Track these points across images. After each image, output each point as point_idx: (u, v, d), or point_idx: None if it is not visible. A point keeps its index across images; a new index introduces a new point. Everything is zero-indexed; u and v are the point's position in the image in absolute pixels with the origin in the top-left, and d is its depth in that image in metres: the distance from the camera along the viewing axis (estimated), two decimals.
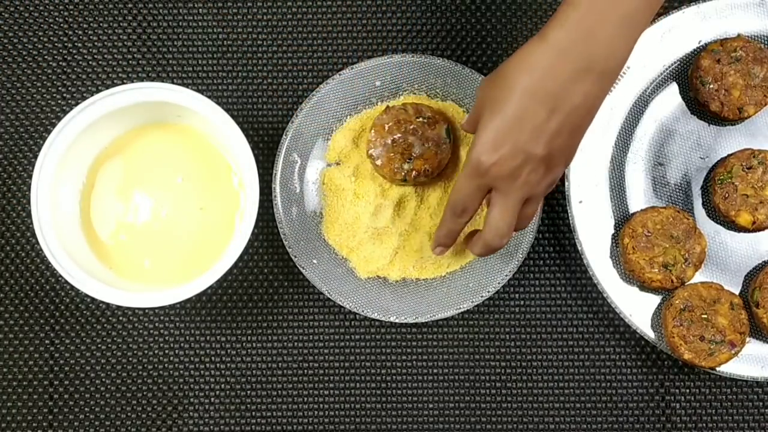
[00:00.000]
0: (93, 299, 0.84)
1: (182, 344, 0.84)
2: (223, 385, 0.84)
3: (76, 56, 0.87)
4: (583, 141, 0.81)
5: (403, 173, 0.80)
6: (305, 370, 0.84)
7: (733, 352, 0.78)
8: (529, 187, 0.68)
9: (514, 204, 0.69)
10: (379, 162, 0.80)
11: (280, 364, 0.84)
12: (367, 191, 0.83)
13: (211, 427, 0.84)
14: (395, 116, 0.80)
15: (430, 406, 0.84)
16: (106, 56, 0.87)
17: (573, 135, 0.67)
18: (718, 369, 0.79)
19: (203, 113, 0.78)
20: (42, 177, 0.77)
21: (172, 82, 0.86)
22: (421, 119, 0.80)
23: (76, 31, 0.87)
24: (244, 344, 0.84)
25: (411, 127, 0.80)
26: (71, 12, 0.87)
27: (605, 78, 0.66)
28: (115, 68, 0.87)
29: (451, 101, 0.83)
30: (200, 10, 0.87)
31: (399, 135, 0.80)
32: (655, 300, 0.81)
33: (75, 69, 0.86)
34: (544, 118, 0.65)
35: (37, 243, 0.84)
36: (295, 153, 0.83)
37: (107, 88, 0.84)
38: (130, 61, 0.87)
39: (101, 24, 0.87)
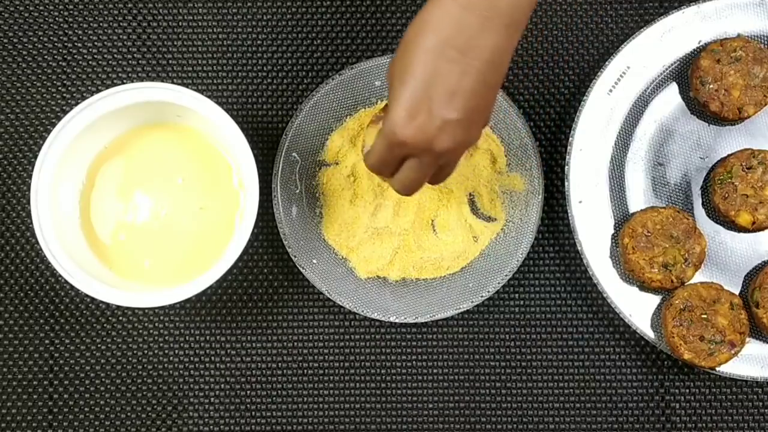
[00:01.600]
0: (93, 299, 0.84)
1: (182, 344, 0.84)
2: (223, 385, 0.84)
3: (76, 56, 0.87)
4: (583, 141, 0.82)
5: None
6: (305, 370, 0.84)
7: (732, 352, 0.78)
8: (446, 154, 0.65)
9: (428, 168, 0.66)
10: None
11: (280, 364, 0.84)
12: (366, 191, 0.83)
13: (211, 427, 0.84)
14: None
15: (430, 406, 0.84)
16: (106, 56, 0.87)
17: (487, 92, 0.64)
18: (718, 369, 0.79)
19: (203, 113, 0.78)
20: (42, 177, 0.77)
21: (172, 82, 0.86)
22: None
23: (76, 31, 0.87)
24: (244, 344, 0.84)
25: None
26: (71, 12, 0.87)
27: (512, 28, 0.62)
28: (115, 68, 0.87)
29: None
30: (200, 10, 0.87)
31: None
32: (655, 300, 0.81)
33: (75, 69, 0.87)
34: (457, 77, 0.62)
35: (37, 243, 0.84)
36: (295, 153, 0.83)
37: (107, 88, 0.84)
38: (130, 61, 0.87)
39: (101, 24, 0.87)
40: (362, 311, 0.81)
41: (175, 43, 0.87)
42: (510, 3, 0.62)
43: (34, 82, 0.86)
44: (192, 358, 0.84)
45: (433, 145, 0.63)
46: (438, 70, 0.62)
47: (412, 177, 0.67)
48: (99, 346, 0.84)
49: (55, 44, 0.87)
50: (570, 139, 0.82)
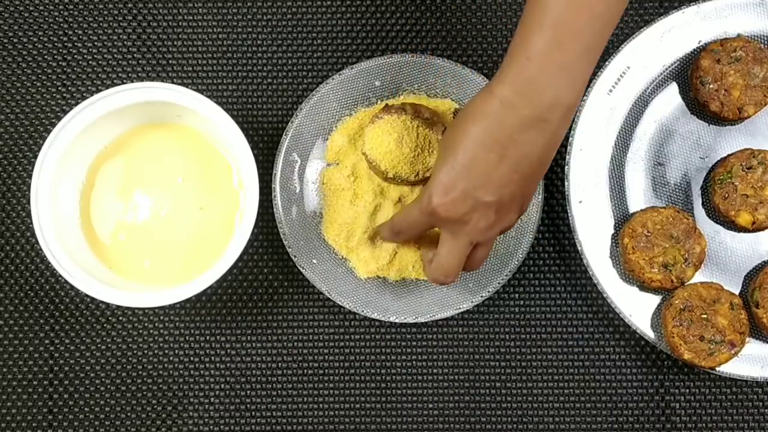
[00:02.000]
0: (93, 299, 0.84)
1: (182, 344, 0.84)
2: (223, 385, 0.84)
3: (76, 56, 0.87)
4: (583, 141, 0.81)
5: (396, 173, 0.80)
6: (305, 370, 0.84)
7: (732, 352, 0.78)
8: (478, 232, 0.69)
9: (462, 247, 0.70)
10: (373, 161, 0.80)
11: (280, 364, 0.84)
12: (366, 191, 0.83)
13: (211, 427, 0.84)
14: (393, 115, 0.80)
15: (430, 406, 0.84)
16: (106, 56, 0.87)
17: (524, 183, 0.68)
18: (717, 369, 0.79)
19: (203, 113, 0.78)
20: (42, 177, 0.77)
21: (172, 82, 0.86)
22: (418, 119, 0.80)
23: (76, 31, 0.87)
24: (244, 344, 0.84)
25: (408, 126, 0.80)
26: (71, 12, 0.87)
27: (552, 125, 0.65)
28: (115, 68, 0.87)
29: (450, 100, 0.83)
30: (200, 10, 0.87)
31: (396, 134, 0.80)
32: (654, 300, 0.81)
33: (75, 69, 0.87)
34: (494, 165, 0.66)
35: (37, 243, 0.84)
36: (294, 153, 0.83)
37: (107, 88, 0.84)
38: (130, 61, 0.87)
39: (101, 24, 0.87)
40: (362, 311, 0.81)
41: (175, 43, 0.87)
42: (549, 102, 0.65)
43: (34, 82, 0.86)
44: (192, 358, 0.84)
45: (467, 221, 0.68)
46: (477, 156, 0.66)
47: (446, 256, 0.71)
48: (99, 346, 0.84)
49: (55, 44, 0.87)
50: (570, 139, 0.82)
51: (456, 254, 0.70)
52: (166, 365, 0.84)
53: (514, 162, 0.66)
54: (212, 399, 0.84)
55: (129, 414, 0.84)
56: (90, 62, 0.87)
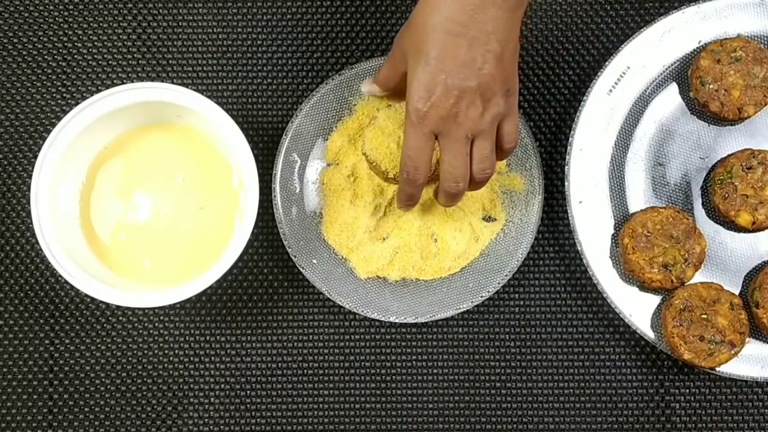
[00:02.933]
0: (93, 299, 0.84)
1: (182, 344, 0.84)
2: (223, 385, 0.84)
3: (76, 56, 0.87)
4: (583, 141, 0.81)
5: (396, 173, 0.79)
6: (305, 370, 0.84)
7: (732, 352, 0.78)
8: (471, 122, 0.69)
9: (461, 143, 0.69)
10: (373, 161, 0.80)
11: (280, 364, 0.84)
12: (366, 191, 0.83)
13: (211, 427, 0.84)
14: (393, 115, 0.80)
15: (430, 406, 0.84)
16: (106, 56, 0.87)
17: (498, 63, 0.67)
18: (717, 369, 0.79)
19: (203, 113, 0.78)
20: (42, 177, 0.77)
21: (172, 82, 0.86)
22: None
23: (76, 31, 0.87)
24: (244, 344, 0.84)
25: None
26: (71, 12, 0.87)
27: (509, 3, 0.66)
28: (115, 68, 0.87)
29: None
30: (200, 10, 0.87)
31: (396, 135, 0.79)
32: (654, 300, 0.81)
33: (75, 69, 0.87)
34: (465, 49, 0.66)
35: (37, 243, 0.84)
36: (294, 153, 0.83)
37: (107, 88, 0.84)
38: (130, 61, 0.87)
39: (101, 24, 0.87)
40: (362, 311, 0.81)
41: (175, 43, 0.87)
42: None
43: (34, 82, 0.86)
44: (192, 358, 0.84)
45: (457, 113, 0.68)
46: (447, 45, 0.66)
47: (450, 159, 0.70)
48: (99, 346, 0.84)
49: (55, 44, 0.87)
50: (570, 139, 0.82)
51: (458, 152, 0.70)
52: (166, 365, 0.84)
53: (483, 42, 0.66)
54: (212, 399, 0.84)
55: (129, 414, 0.84)
56: (90, 62, 0.87)
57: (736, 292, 0.82)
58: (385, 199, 0.83)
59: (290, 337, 0.84)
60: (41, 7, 0.87)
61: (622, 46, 0.82)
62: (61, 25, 0.87)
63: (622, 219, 0.82)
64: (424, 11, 0.67)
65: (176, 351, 0.84)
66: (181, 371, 0.84)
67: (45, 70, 0.86)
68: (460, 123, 0.68)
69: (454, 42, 0.66)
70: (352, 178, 0.83)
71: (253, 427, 0.84)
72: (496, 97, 0.69)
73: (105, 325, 0.84)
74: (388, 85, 0.75)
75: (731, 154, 0.81)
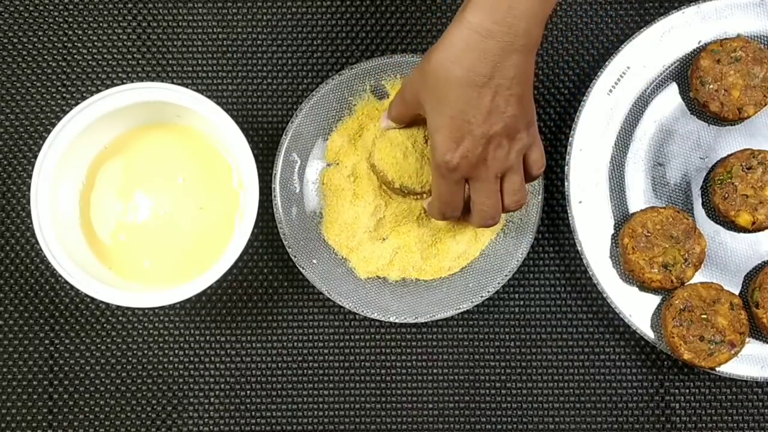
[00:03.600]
0: (93, 299, 0.84)
1: (182, 344, 0.84)
2: (223, 385, 0.84)
3: (76, 56, 0.87)
4: (583, 141, 0.81)
5: (401, 183, 0.79)
6: (305, 370, 0.84)
7: (732, 352, 0.78)
8: (500, 162, 0.70)
9: (491, 183, 0.71)
10: (381, 171, 0.79)
11: (280, 364, 0.84)
12: (366, 191, 0.82)
13: (211, 427, 0.84)
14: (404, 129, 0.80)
15: (430, 406, 0.84)
16: (106, 56, 0.87)
17: (520, 102, 0.68)
18: (717, 369, 0.79)
19: (203, 113, 0.78)
20: (42, 177, 0.77)
21: (172, 82, 0.86)
22: (424, 129, 0.79)
23: (76, 31, 0.87)
24: (243, 344, 0.84)
25: (414, 137, 0.79)
26: (71, 12, 0.87)
27: (530, 46, 0.67)
28: (115, 68, 0.87)
29: None
30: (200, 10, 0.87)
31: (403, 147, 0.79)
32: (654, 300, 0.81)
33: (75, 69, 0.87)
34: (489, 98, 0.67)
35: (37, 243, 0.84)
36: (294, 153, 0.83)
37: (107, 88, 0.84)
38: (130, 61, 0.87)
39: (101, 24, 0.87)
40: (362, 311, 0.81)
41: (175, 43, 0.87)
42: (527, 24, 0.66)
43: (34, 82, 0.86)
44: (192, 358, 0.84)
45: (486, 158, 0.69)
46: (470, 96, 0.67)
47: (482, 200, 0.72)
48: (99, 346, 0.84)
49: (55, 44, 0.87)
50: (570, 139, 0.82)
51: (490, 193, 0.71)
52: (166, 365, 0.84)
53: (506, 88, 0.67)
54: (212, 399, 0.84)
55: (129, 414, 0.84)
56: (90, 62, 0.87)
57: (736, 292, 0.82)
58: (385, 199, 0.82)
59: (290, 337, 0.84)
60: (41, 7, 0.87)
61: (622, 46, 0.82)
62: (61, 25, 0.87)
63: (622, 219, 0.82)
64: (443, 64, 0.67)
65: (176, 351, 0.84)
66: (181, 371, 0.84)
67: (45, 70, 0.86)
68: (489, 166, 0.70)
69: (479, 93, 0.67)
70: (352, 178, 0.83)
71: (253, 427, 0.84)
72: (521, 134, 0.70)
73: (105, 325, 0.84)
74: (403, 122, 0.77)
75: (731, 154, 0.82)
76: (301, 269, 0.82)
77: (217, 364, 0.84)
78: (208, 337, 0.84)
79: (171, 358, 0.84)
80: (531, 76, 0.69)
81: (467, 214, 0.75)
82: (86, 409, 0.84)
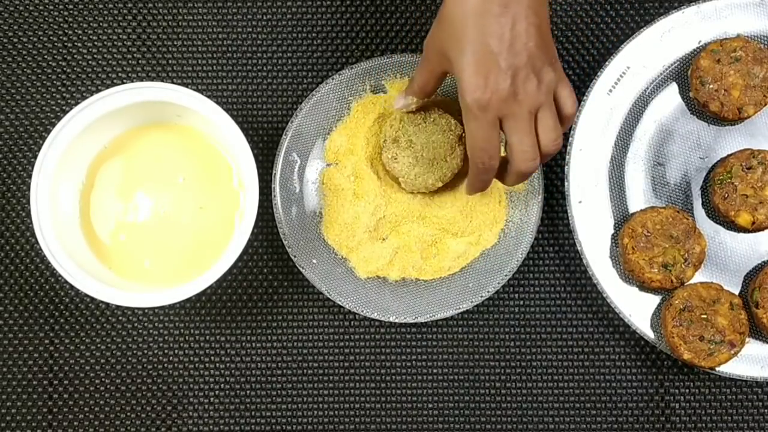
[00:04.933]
0: (93, 299, 0.84)
1: (182, 344, 0.84)
2: (222, 385, 0.84)
3: (76, 56, 0.87)
4: (583, 141, 0.81)
5: (424, 183, 0.80)
6: (305, 370, 0.84)
7: (732, 352, 0.78)
8: (531, 97, 0.68)
9: (526, 121, 0.69)
10: (391, 169, 0.80)
11: (279, 364, 0.84)
12: (367, 191, 0.83)
13: (211, 427, 0.84)
14: (410, 127, 0.80)
15: (430, 406, 0.84)
16: (106, 56, 0.87)
17: (539, 33, 0.68)
18: (717, 369, 0.79)
19: (203, 113, 0.78)
20: (42, 177, 0.77)
21: (172, 82, 0.86)
22: (434, 122, 0.80)
23: (76, 30, 0.87)
24: (243, 344, 0.84)
25: (431, 129, 0.79)
26: (71, 12, 0.87)
27: None
28: (115, 68, 0.87)
29: (451, 99, 0.83)
30: (200, 10, 0.87)
31: (411, 150, 0.79)
32: (654, 300, 0.81)
33: (75, 69, 0.87)
34: (509, 27, 0.66)
35: (37, 243, 0.84)
36: (294, 153, 0.83)
37: (107, 88, 0.84)
38: (130, 61, 0.87)
39: (101, 24, 0.87)
40: (362, 311, 0.81)
41: (175, 43, 0.87)
42: None
43: (34, 82, 0.86)
44: (192, 358, 0.84)
45: (517, 92, 0.67)
46: (489, 27, 0.66)
47: (519, 139, 0.69)
48: (99, 346, 0.84)
49: (55, 44, 0.87)
50: (570, 139, 0.82)
51: (526, 131, 0.69)
52: (166, 365, 0.84)
53: (523, 17, 0.66)
54: (212, 399, 0.84)
55: (129, 414, 0.84)
56: (90, 62, 0.87)
57: (736, 292, 0.82)
58: (385, 199, 0.82)
59: (290, 337, 0.84)
60: (41, 7, 0.87)
61: (622, 46, 0.82)
62: (61, 25, 0.87)
63: (622, 219, 0.82)
64: (458, 1, 0.67)
65: (176, 351, 0.84)
66: (181, 371, 0.84)
67: (45, 70, 0.86)
68: (521, 101, 0.68)
69: (498, 22, 0.66)
70: (352, 178, 0.83)
71: (253, 427, 0.84)
72: (546, 66, 0.68)
73: (105, 325, 0.84)
74: (426, 92, 0.75)
75: (731, 154, 0.81)
76: (301, 269, 0.82)
77: (217, 364, 0.84)
78: (208, 337, 0.84)
79: (171, 358, 0.84)
80: (545, 7, 0.68)
81: (503, 171, 0.73)
82: (86, 409, 0.84)
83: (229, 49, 0.87)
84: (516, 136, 0.69)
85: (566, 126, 0.72)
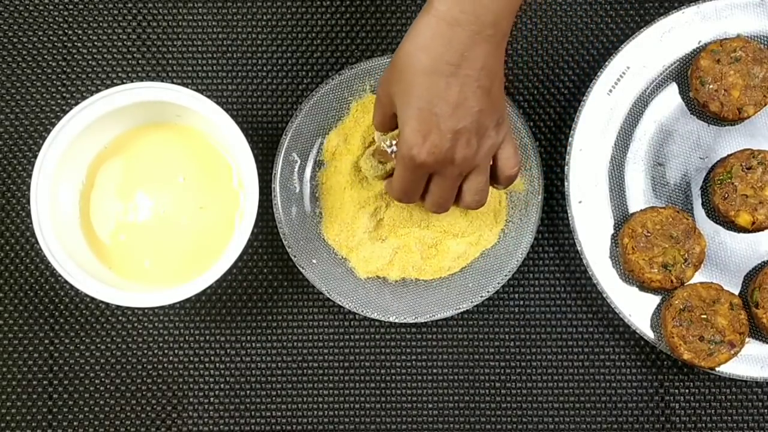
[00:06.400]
0: (93, 299, 0.84)
1: (182, 344, 0.84)
2: (222, 385, 0.84)
3: (76, 56, 0.87)
4: (583, 141, 0.81)
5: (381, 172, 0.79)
6: (305, 370, 0.84)
7: (732, 352, 0.78)
8: (467, 161, 0.68)
9: (454, 180, 0.69)
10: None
11: (279, 364, 0.84)
12: (366, 191, 0.82)
13: (211, 427, 0.84)
14: None
15: (430, 406, 0.84)
16: (106, 56, 0.87)
17: (488, 96, 0.66)
18: (717, 369, 0.79)
19: (203, 113, 0.78)
20: (42, 177, 0.77)
21: (172, 82, 0.86)
22: None
23: (76, 31, 0.87)
24: (243, 344, 0.84)
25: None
26: (71, 12, 0.87)
27: (498, 37, 0.66)
28: (115, 68, 0.87)
29: None
30: (200, 10, 0.87)
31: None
32: (654, 300, 0.81)
33: (75, 69, 0.87)
34: (456, 90, 0.65)
35: (37, 243, 0.84)
36: (294, 153, 0.83)
37: (107, 88, 0.84)
38: (130, 61, 0.87)
39: (101, 24, 0.87)
40: (362, 311, 0.81)
41: (175, 43, 0.87)
42: (494, 15, 0.65)
43: (34, 82, 0.86)
44: (192, 358, 0.84)
45: (453, 156, 0.67)
46: (437, 87, 0.65)
47: (438, 194, 0.71)
48: (99, 346, 0.84)
49: (55, 44, 0.87)
50: (570, 139, 0.82)
51: (448, 189, 0.70)
52: (166, 365, 0.84)
53: (474, 79, 0.65)
54: (212, 399, 0.84)
55: (129, 414, 0.84)
56: (90, 62, 0.87)
57: (736, 292, 0.82)
58: (385, 199, 0.82)
59: (290, 337, 0.84)
60: (41, 7, 0.87)
61: (622, 46, 0.82)
62: (61, 25, 0.87)
63: (622, 219, 0.82)
64: (410, 53, 0.65)
65: (176, 351, 0.84)
66: (181, 371, 0.84)
67: (45, 70, 0.86)
68: (457, 165, 0.68)
69: (446, 83, 0.65)
70: (352, 178, 0.83)
71: (253, 427, 0.84)
72: (490, 130, 0.68)
73: (105, 325, 0.84)
74: (385, 129, 0.74)
75: (731, 154, 0.82)
76: (301, 269, 0.82)
77: (217, 364, 0.84)
78: (208, 337, 0.84)
79: (171, 358, 0.84)
80: (500, 70, 0.67)
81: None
82: (86, 409, 0.84)
83: (229, 49, 0.87)
84: (438, 190, 0.70)
85: (505, 185, 0.73)
